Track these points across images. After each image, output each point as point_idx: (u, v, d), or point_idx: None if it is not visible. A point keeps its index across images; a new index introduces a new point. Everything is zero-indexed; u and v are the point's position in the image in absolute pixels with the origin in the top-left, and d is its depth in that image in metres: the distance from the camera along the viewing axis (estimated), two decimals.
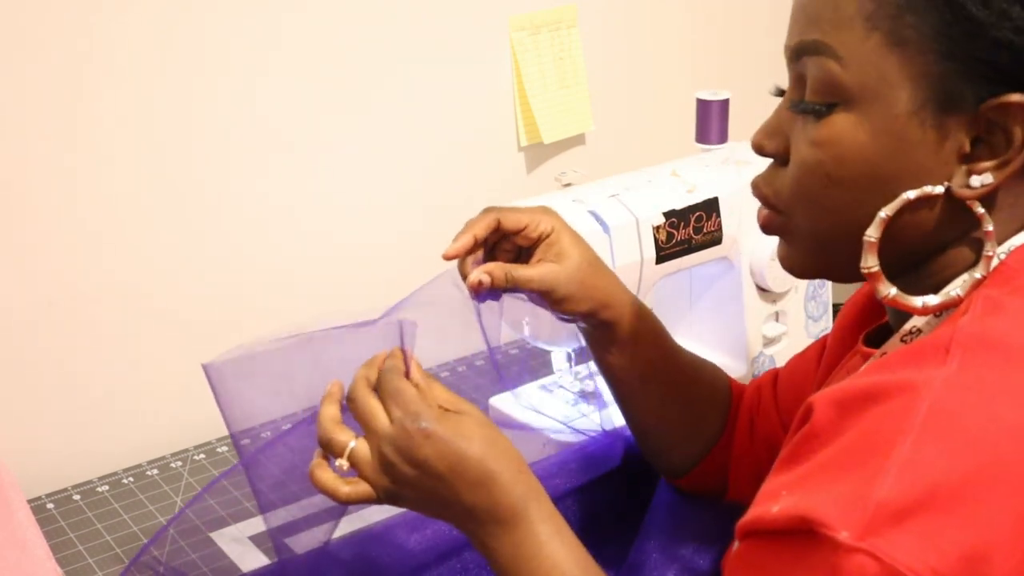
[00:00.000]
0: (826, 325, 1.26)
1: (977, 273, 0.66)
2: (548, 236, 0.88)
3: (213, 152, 1.26)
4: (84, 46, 1.15)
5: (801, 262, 0.74)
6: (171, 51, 1.21)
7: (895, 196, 0.65)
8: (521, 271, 0.86)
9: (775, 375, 0.96)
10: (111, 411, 1.26)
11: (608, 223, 1.05)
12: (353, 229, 1.39)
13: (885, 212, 0.65)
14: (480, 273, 0.85)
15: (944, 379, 0.58)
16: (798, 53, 0.69)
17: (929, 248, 0.68)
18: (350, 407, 0.78)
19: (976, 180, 0.64)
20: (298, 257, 1.35)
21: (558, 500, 0.96)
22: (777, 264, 1.15)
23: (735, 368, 1.20)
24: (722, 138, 1.21)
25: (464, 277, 0.86)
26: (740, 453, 0.95)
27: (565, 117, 1.52)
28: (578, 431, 1.06)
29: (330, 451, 0.77)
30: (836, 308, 1.34)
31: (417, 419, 0.74)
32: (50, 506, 1.15)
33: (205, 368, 0.84)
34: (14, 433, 1.20)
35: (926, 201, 0.65)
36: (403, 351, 0.79)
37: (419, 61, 1.39)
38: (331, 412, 0.78)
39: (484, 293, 0.86)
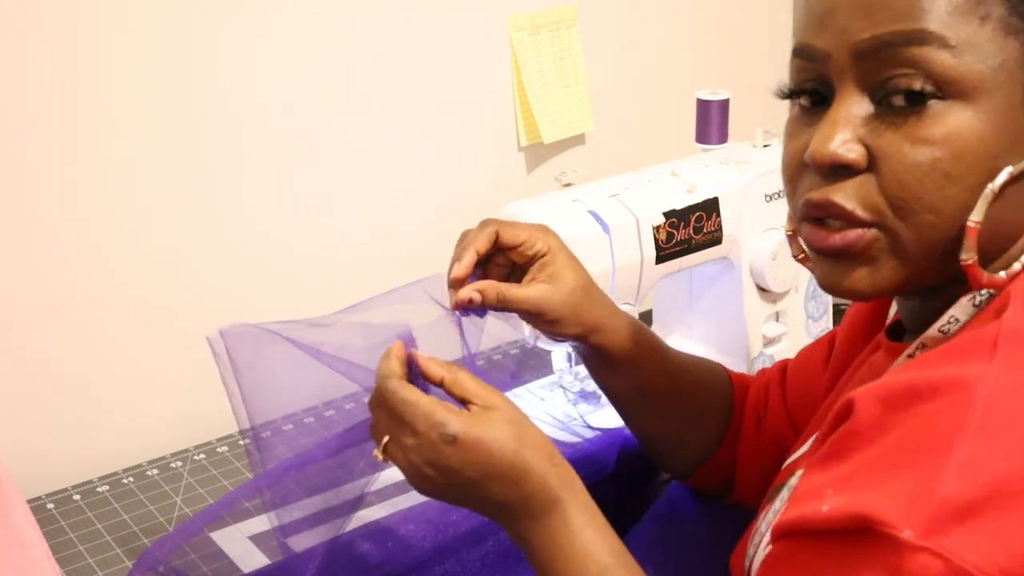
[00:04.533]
0: (826, 325, 1.26)
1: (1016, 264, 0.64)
2: (544, 256, 0.87)
3: (213, 154, 1.26)
4: (84, 47, 1.15)
5: (900, 282, 0.66)
6: (170, 52, 1.21)
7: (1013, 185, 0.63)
8: (513, 291, 0.84)
9: (783, 371, 0.95)
10: (111, 411, 1.25)
11: (608, 223, 1.05)
12: (354, 229, 1.39)
13: (991, 187, 0.62)
14: (471, 291, 0.83)
15: (997, 375, 0.57)
16: (879, 46, 0.63)
17: (1016, 233, 0.65)
18: (375, 414, 0.76)
19: None
20: (298, 257, 1.35)
21: None
22: (777, 264, 1.16)
23: (735, 368, 1.20)
24: (722, 138, 1.21)
25: (451, 287, 0.84)
26: (746, 451, 0.95)
27: (565, 117, 1.52)
28: (574, 432, 1.07)
29: (372, 432, 0.76)
30: (836, 308, 1.34)
31: (442, 427, 0.72)
32: (50, 506, 1.14)
33: (221, 333, 0.82)
34: (14, 433, 1.20)
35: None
36: (409, 354, 0.77)
37: (419, 61, 1.39)
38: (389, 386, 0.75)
39: (471, 309, 0.84)
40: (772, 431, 0.93)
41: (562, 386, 1.17)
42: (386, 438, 0.74)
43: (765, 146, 1.20)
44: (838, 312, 1.42)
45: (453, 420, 0.72)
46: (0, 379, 1.19)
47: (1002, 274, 0.64)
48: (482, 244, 0.85)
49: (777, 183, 1.17)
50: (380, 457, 0.75)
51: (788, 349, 1.22)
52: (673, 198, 1.10)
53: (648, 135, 1.63)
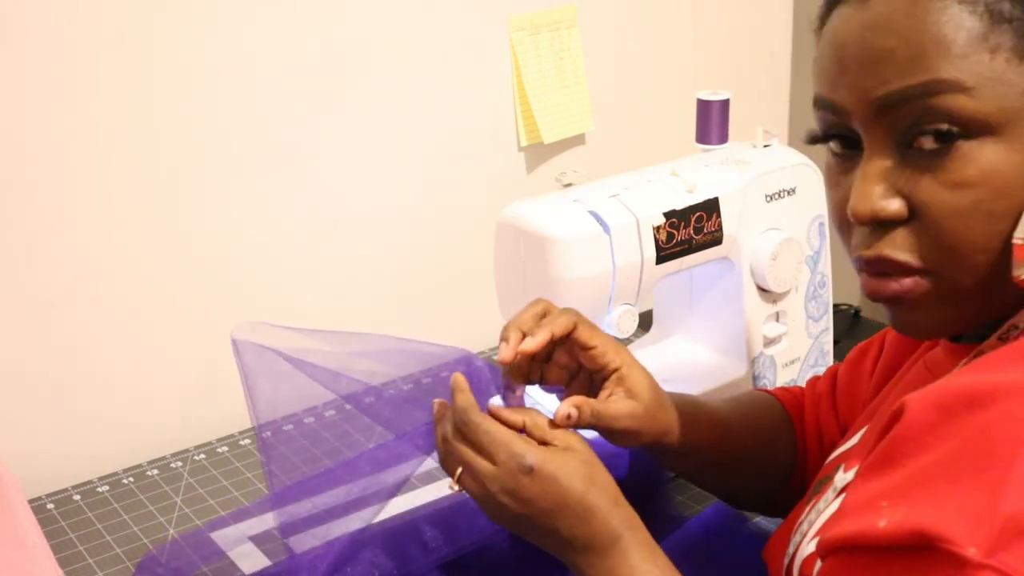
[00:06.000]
0: (826, 325, 1.26)
1: None
2: (619, 369, 0.86)
3: (213, 155, 1.26)
4: (84, 48, 1.15)
5: (947, 320, 0.67)
6: (171, 53, 1.21)
7: None
8: (606, 409, 0.84)
9: (833, 380, 0.95)
10: (111, 411, 1.25)
11: (608, 223, 1.05)
12: (354, 230, 1.39)
13: None
14: (568, 407, 0.82)
15: None
16: (894, 103, 0.63)
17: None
18: (441, 449, 0.82)
19: None
20: (298, 259, 1.35)
21: None
22: (777, 264, 1.16)
23: (735, 368, 1.20)
24: (722, 138, 1.21)
25: (507, 361, 0.84)
26: (814, 470, 0.94)
27: (565, 117, 1.52)
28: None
29: (445, 463, 0.82)
30: (836, 308, 1.34)
31: (521, 458, 0.77)
32: (50, 506, 1.14)
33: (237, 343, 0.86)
34: (14, 433, 1.20)
35: None
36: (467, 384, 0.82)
37: (419, 61, 1.39)
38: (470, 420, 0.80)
39: (519, 394, 0.87)
40: (831, 443, 0.93)
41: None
42: (460, 469, 0.79)
43: (765, 146, 1.20)
44: (838, 312, 1.42)
45: (532, 452, 0.77)
46: (0, 379, 1.19)
47: None
48: (560, 328, 0.84)
49: (777, 183, 1.17)
50: (456, 488, 0.80)
51: (788, 349, 1.22)
52: (673, 198, 1.10)
53: (648, 135, 1.63)
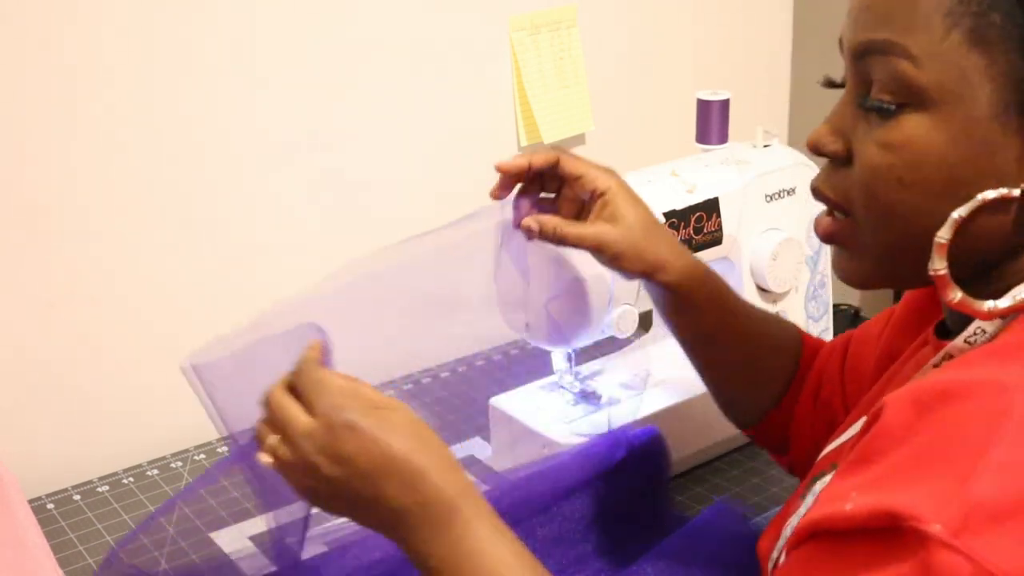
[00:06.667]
0: (826, 325, 1.26)
1: None
2: (603, 195, 0.89)
3: (213, 156, 1.26)
4: (85, 50, 1.15)
5: (866, 272, 0.70)
6: (172, 54, 1.21)
7: (969, 199, 0.62)
8: (571, 228, 0.88)
9: (847, 341, 0.95)
10: (111, 411, 1.25)
11: None
12: (354, 229, 1.39)
13: (959, 213, 0.62)
14: (532, 220, 0.88)
15: None
16: (862, 52, 0.66)
17: (1000, 252, 0.65)
18: (266, 410, 0.74)
19: None
20: (299, 258, 1.35)
21: (560, 501, 0.96)
22: (778, 264, 1.16)
23: None
24: (722, 138, 1.21)
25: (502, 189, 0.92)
26: (802, 414, 0.95)
27: (565, 117, 1.52)
28: (580, 434, 1.06)
29: (260, 432, 0.74)
30: (836, 308, 1.34)
31: (341, 411, 0.70)
32: (50, 506, 1.14)
33: (194, 368, 0.82)
34: (14, 433, 1.20)
35: (1001, 204, 0.62)
36: (322, 346, 0.75)
37: (419, 61, 1.39)
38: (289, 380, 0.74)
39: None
40: (826, 401, 0.94)
41: (562, 386, 1.17)
42: (273, 437, 0.72)
43: (765, 146, 1.20)
44: (838, 312, 1.42)
45: (354, 407, 0.71)
46: (0, 379, 1.19)
47: (1001, 302, 0.63)
48: (538, 160, 0.90)
49: (777, 183, 1.17)
50: (266, 460, 0.72)
51: None
52: (673, 198, 1.10)
53: (648, 135, 1.63)
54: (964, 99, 0.62)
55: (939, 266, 0.64)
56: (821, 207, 0.72)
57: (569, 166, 0.90)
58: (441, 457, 0.72)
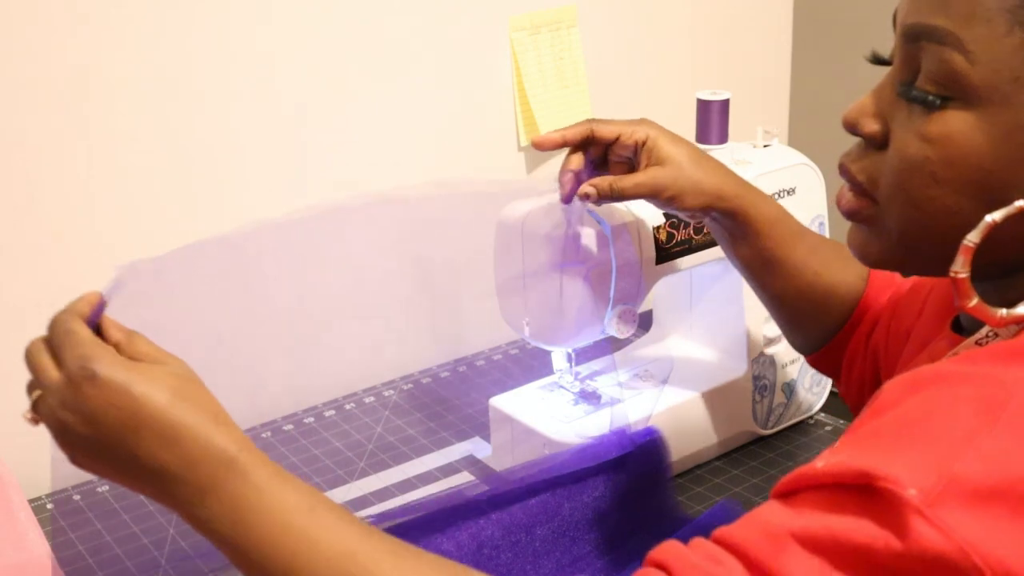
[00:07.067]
0: None
1: None
2: (645, 143, 0.91)
3: (214, 155, 1.26)
4: (88, 51, 1.15)
5: (880, 254, 0.70)
6: (174, 56, 1.21)
7: (1001, 204, 0.61)
8: (626, 180, 0.90)
9: (896, 303, 0.94)
10: None
11: (608, 223, 1.05)
12: (353, 229, 1.39)
13: (993, 217, 0.61)
14: (587, 186, 0.90)
15: None
16: (915, 36, 0.63)
17: (1018, 261, 0.65)
18: (26, 363, 0.68)
19: None
20: (297, 257, 1.35)
21: (560, 500, 0.96)
22: None
23: (735, 368, 1.20)
24: (722, 138, 1.21)
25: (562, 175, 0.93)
26: (853, 353, 0.96)
27: (565, 117, 1.52)
28: (580, 434, 1.06)
29: (29, 388, 0.69)
30: None
31: (86, 362, 0.64)
32: (50, 506, 1.14)
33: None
34: (14, 433, 1.19)
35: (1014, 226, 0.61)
36: (102, 298, 0.70)
37: (419, 61, 1.39)
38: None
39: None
40: (874, 347, 0.94)
41: (562, 386, 1.17)
42: (37, 393, 0.67)
43: (765, 146, 1.20)
44: None
45: (101, 357, 0.64)
46: (0, 379, 1.19)
47: (1020, 310, 0.62)
48: (572, 133, 0.92)
49: (777, 183, 1.17)
50: (27, 417, 0.68)
51: (788, 349, 1.22)
52: None
53: None
54: (1012, 103, 0.60)
55: (960, 269, 0.62)
56: (819, 211, 0.72)
57: (604, 130, 0.92)
58: (205, 411, 0.65)
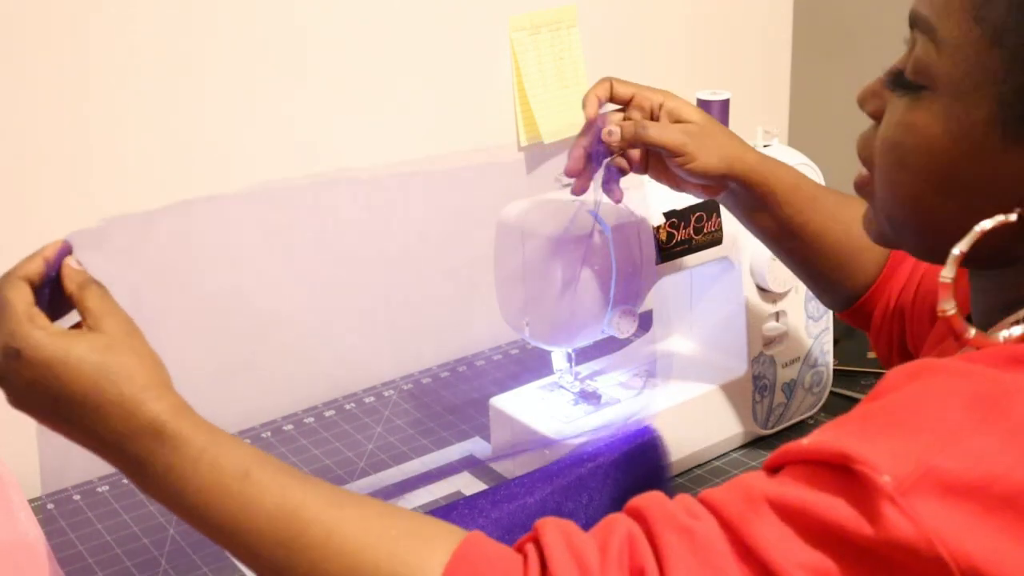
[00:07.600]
0: (826, 325, 1.26)
1: None
2: (663, 104, 0.93)
3: (214, 154, 1.26)
4: (92, 51, 1.15)
5: (878, 231, 0.73)
6: (167, 54, 1.21)
7: (966, 200, 0.62)
8: (652, 128, 0.90)
9: (922, 278, 0.95)
10: None
11: (608, 223, 1.05)
12: (353, 229, 1.39)
13: (959, 248, 0.62)
14: (612, 126, 0.91)
15: None
16: (912, 22, 0.65)
17: (1007, 260, 0.65)
18: None
19: None
20: (297, 256, 1.35)
21: (559, 500, 0.96)
22: (777, 264, 1.16)
23: (735, 368, 1.20)
24: None
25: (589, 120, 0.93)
26: (881, 313, 0.97)
27: (565, 117, 1.52)
28: (580, 434, 1.06)
29: None
30: None
31: (11, 340, 0.64)
32: (50, 506, 1.14)
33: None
34: (14, 433, 1.19)
35: (1002, 227, 0.62)
36: (65, 243, 0.70)
37: (419, 61, 1.39)
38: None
39: (606, 153, 0.93)
40: (899, 309, 0.95)
41: (562, 386, 1.17)
42: None
43: (765, 146, 1.20)
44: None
45: (27, 335, 0.65)
46: None
47: (1015, 330, 0.63)
48: (600, 90, 0.93)
49: None
50: None
51: (788, 349, 1.22)
52: (673, 198, 1.10)
53: None
54: (967, 97, 0.61)
55: (947, 307, 0.63)
56: None
57: (622, 90, 0.94)
58: (133, 384, 0.66)
